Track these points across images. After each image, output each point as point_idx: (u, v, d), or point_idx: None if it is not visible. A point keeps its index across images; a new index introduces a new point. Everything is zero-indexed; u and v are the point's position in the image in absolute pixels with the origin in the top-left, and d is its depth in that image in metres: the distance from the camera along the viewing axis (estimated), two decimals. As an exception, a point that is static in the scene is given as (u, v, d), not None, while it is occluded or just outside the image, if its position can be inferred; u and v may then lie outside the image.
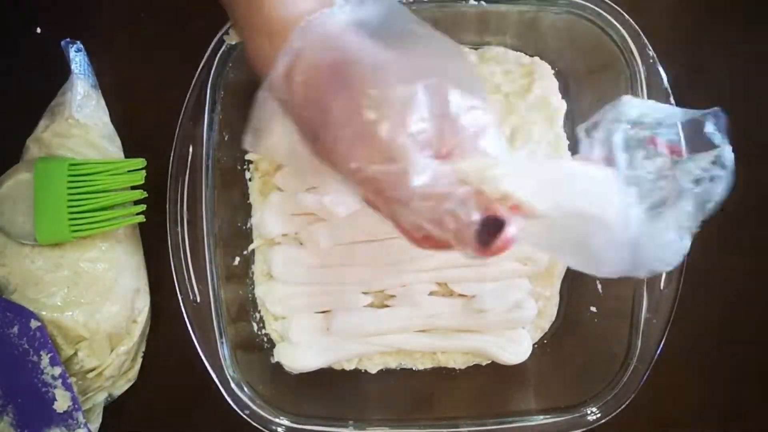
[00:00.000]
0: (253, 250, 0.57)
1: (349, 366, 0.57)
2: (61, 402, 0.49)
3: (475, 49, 0.58)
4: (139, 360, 0.56)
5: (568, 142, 0.57)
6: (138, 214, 0.52)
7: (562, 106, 0.57)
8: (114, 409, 0.55)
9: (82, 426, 0.50)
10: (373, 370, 0.57)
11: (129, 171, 0.52)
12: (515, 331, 0.57)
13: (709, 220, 0.36)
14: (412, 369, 0.57)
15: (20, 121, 0.54)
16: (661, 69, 0.51)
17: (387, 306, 0.57)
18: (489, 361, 0.57)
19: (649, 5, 0.57)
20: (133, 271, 0.54)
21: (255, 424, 0.51)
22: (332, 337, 0.56)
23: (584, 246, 0.35)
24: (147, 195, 0.52)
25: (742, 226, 0.59)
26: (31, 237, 0.50)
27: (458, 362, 0.57)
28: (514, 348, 0.56)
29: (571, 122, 0.58)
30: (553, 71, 0.58)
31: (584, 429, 0.51)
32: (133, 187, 0.52)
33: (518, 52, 0.57)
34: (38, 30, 0.57)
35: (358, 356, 0.57)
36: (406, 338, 0.56)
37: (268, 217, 0.56)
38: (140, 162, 0.52)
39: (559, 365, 0.57)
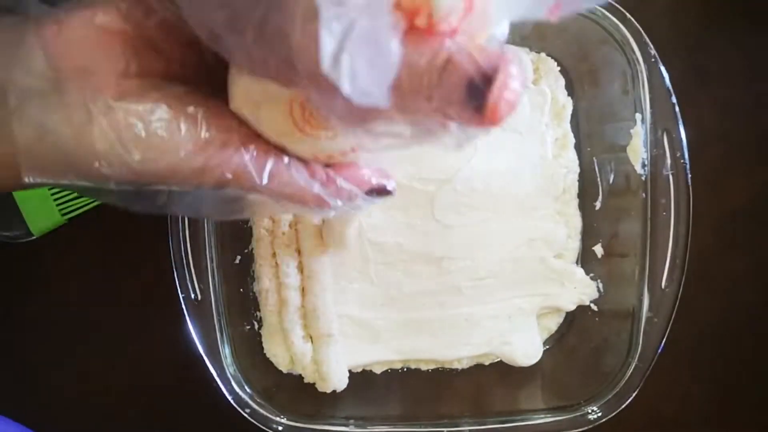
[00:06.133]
0: (253, 248, 0.57)
1: (356, 369, 0.57)
2: None
3: (477, 47, 0.57)
4: None
5: (574, 141, 0.57)
6: None
7: (569, 103, 0.57)
8: (115, 408, 0.55)
9: None
10: (378, 371, 0.57)
11: None
12: (527, 332, 0.56)
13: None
14: (415, 369, 0.57)
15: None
16: (662, 68, 0.50)
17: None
18: (491, 361, 0.57)
19: (651, 4, 0.57)
20: None
21: (256, 423, 0.51)
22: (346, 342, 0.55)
23: None
24: None
25: (744, 225, 0.59)
26: (26, 235, 0.53)
27: (462, 362, 0.57)
28: (527, 350, 0.56)
29: (575, 121, 0.58)
30: (554, 70, 0.57)
31: (585, 428, 0.51)
32: None
33: (523, 48, 0.57)
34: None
35: (369, 364, 0.57)
36: (417, 345, 0.56)
37: (264, 211, 0.56)
38: None
39: (559, 364, 0.57)
